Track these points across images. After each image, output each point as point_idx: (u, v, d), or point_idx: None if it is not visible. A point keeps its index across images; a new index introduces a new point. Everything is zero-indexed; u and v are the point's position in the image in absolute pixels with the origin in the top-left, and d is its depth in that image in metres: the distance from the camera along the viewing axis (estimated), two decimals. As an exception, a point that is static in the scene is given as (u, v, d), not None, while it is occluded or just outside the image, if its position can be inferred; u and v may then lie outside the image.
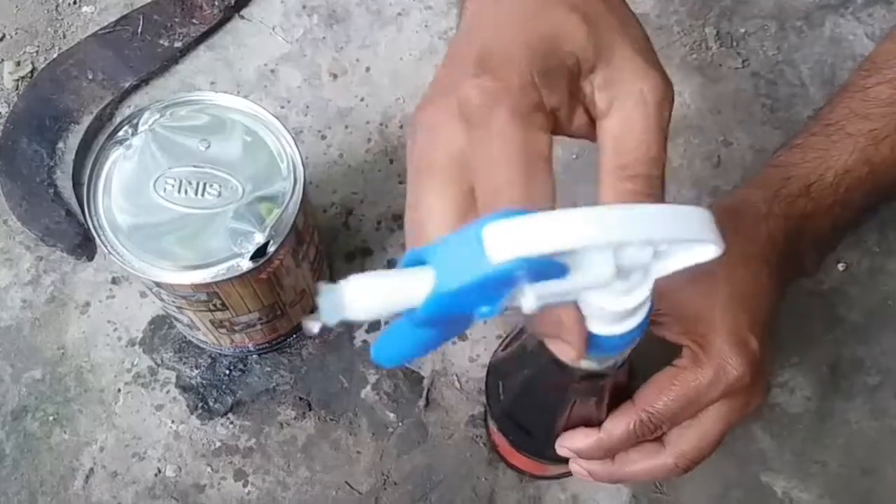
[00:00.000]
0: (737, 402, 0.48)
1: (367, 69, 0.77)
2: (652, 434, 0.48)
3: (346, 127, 0.75)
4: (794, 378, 0.67)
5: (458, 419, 0.66)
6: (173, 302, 0.55)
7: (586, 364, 0.38)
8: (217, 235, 0.51)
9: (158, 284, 0.52)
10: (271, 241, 0.51)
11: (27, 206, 0.71)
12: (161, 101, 0.55)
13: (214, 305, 0.55)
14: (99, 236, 0.51)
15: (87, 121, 0.74)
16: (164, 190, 0.52)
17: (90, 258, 0.70)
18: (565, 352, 0.35)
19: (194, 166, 0.53)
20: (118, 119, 0.54)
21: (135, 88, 0.76)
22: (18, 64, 0.79)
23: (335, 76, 0.77)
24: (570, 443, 0.49)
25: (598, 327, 0.34)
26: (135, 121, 0.54)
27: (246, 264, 0.51)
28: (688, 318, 0.48)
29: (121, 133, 0.54)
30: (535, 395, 0.48)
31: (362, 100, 0.76)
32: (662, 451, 0.49)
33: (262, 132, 0.54)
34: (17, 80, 0.79)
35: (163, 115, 0.55)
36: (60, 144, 0.73)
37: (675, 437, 0.49)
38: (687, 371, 0.47)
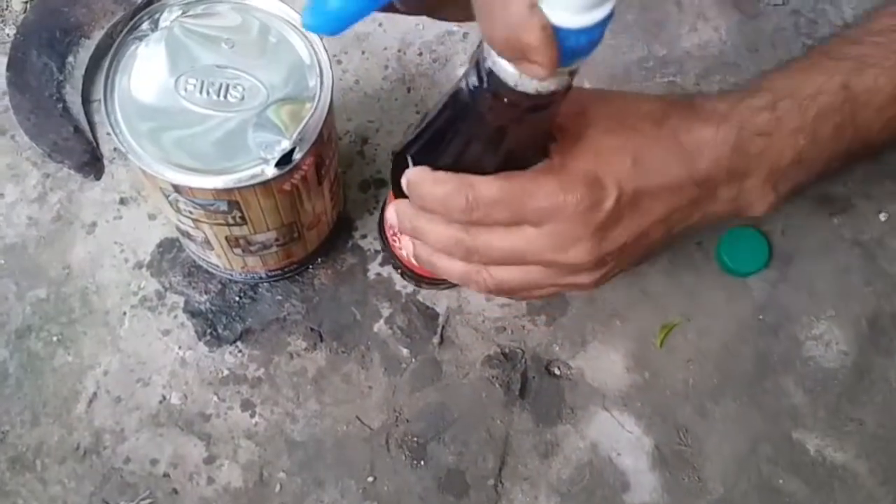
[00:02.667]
0: (558, 240, 0.44)
1: (389, -6, 0.74)
2: (460, 216, 0.44)
3: (363, 52, 0.72)
4: (830, 331, 0.64)
5: (474, 358, 0.63)
6: (190, 214, 0.52)
7: (543, 85, 0.36)
8: (240, 140, 0.49)
9: (178, 190, 0.49)
10: (297, 148, 0.48)
11: (35, 121, 0.68)
12: (184, -2, 0.52)
13: (233, 219, 0.52)
14: (117, 136, 0.48)
15: (97, 36, 0.71)
16: (186, 90, 0.49)
17: (98, 177, 0.68)
18: (533, 70, 0.34)
19: (217, 67, 0.50)
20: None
21: (147, 4, 0.73)
22: (27, -13, 0.76)
23: None
24: (415, 175, 0.45)
25: (564, 17, 0.33)
26: (156, 16, 0.51)
27: (271, 171, 0.48)
28: (580, 136, 0.44)
29: (141, 29, 0.51)
30: (458, 153, 0.45)
31: (380, 25, 0.73)
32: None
33: (289, 34, 0.52)
34: (26, 2, 0.76)
35: (185, 11, 0.52)
36: (70, 59, 0.70)
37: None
38: (536, 173, 0.44)
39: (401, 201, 0.48)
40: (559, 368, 0.63)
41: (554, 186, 0.43)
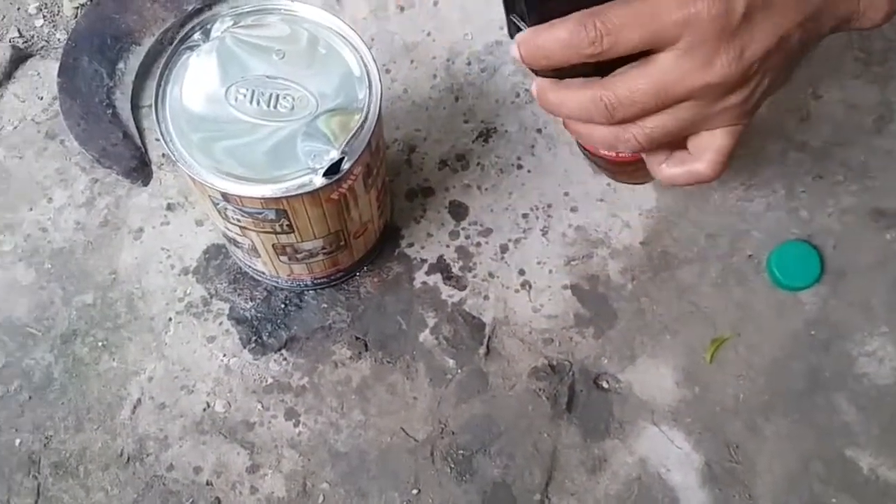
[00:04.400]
0: (699, 56, 0.41)
1: (436, 3, 0.74)
2: (590, 49, 0.42)
3: (412, 62, 0.72)
4: (883, 347, 0.63)
5: (520, 370, 0.62)
6: (238, 221, 0.52)
7: None
8: (289, 149, 0.48)
9: (226, 198, 0.49)
10: (346, 158, 0.48)
11: (85, 126, 0.69)
12: (236, 8, 0.52)
13: (281, 227, 0.52)
14: (167, 144, 0.48)
15: (148, 42, 0.72)
16: (236, 99, 0.49)
17: (145, 183, 0.68)
18: None
19: (267, 77, 0.50)
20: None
21: (197, 12, 0.73)
22: (78, -8, 0.77)
23: (402, 8, 0.74)
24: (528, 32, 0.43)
25: None
26: (208, 26, 0.51)
27: (319, 180, 0.48)
28: None
29: (192, 38, 0.51)
30: None
31: (429, 34, 0.73)
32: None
33: (339, 45, 0.51)
34: (77, 7, 0.76)
35: (237, 22, 0.52)
36: (121, 65, 0.71)
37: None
38: None
39: (537, 79, 0.46)
40: (607, 382, 0.62)
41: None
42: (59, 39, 0.75)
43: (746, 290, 0.64)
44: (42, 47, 0.74)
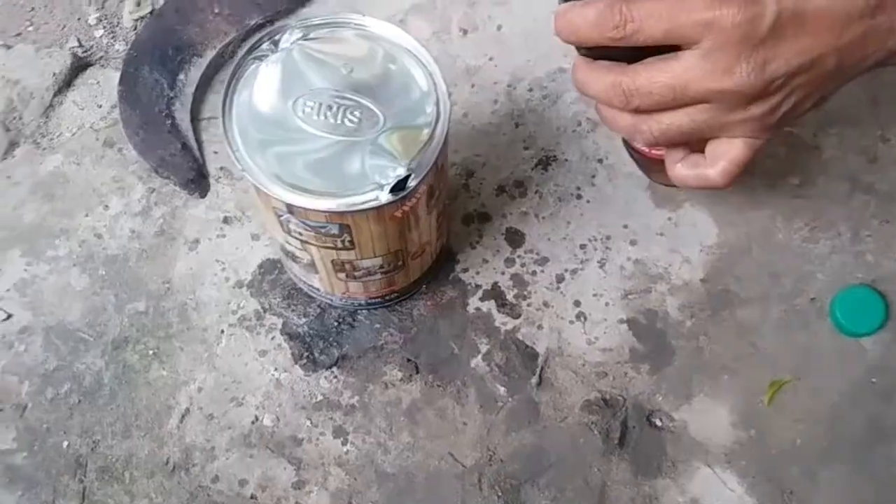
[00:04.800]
0: (719, 60, 0.42)
1: (499, 27, 0.74)
2: (614, 32, 0.43)
3: (473, 86, 0.72)
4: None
5: (572, 402, 0.61)
6: (299, 235, 0.51)
7: None
8: (355, 165, 0.48)
9: (291, 210, 0.48)
10: (412, 175, 0.48)
11: (144, 136, 0.69)
12: (305, 20, 0.52)
13: (343, 243, 0.51)
14: (234, 153, 0.48)
15: (209, 55, 0.72)
16: (303, 112, 0.49)
17: (203, 195, 0.68)
18: None
19: (335, 91, 0.50)
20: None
21: (259, 27, 0.74)
22: (139, 4, 0.78)
23: (465, 32, 0.74)
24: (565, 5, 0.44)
25: None
26: (277, 37, 0.51)
27: (385, 196, 0.47)
28: None
29: (261, 49, 0.51)
30: None
31: (491, 59, 0.73)
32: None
33: (409, 62, 0.51)
34: (136, 20, 0.78)
35: (306, 34, 0.52)
36: (181, 76, 0.71)
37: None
38: None
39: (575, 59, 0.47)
40: (661, 419, 0.61)
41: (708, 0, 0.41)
42: (117, 50, 0.76)
43: (808, 333, 0.63)
44: (101, 57, 0.76)
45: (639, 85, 0.44)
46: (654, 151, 0.59)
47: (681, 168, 0.50)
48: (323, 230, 0.50)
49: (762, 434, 0.60)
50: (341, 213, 0.48)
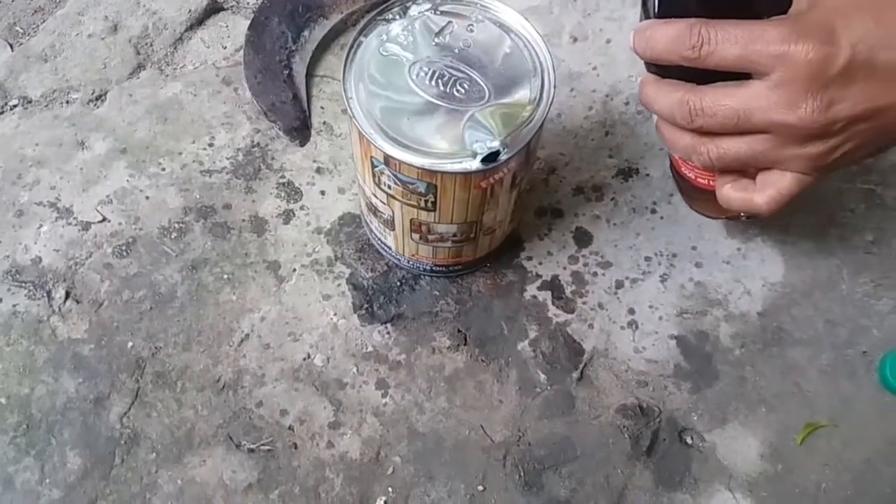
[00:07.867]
0: (785, 95, 0.43)
1: (608, 41, 0.76)
2: (688, 52, 0.44)
3: (572, 90, 0.74)
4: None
5: (609, 403, 0.63)
6: (388, 188, 0.55)
7: None
8: (455, 132, 0.51)
9: (386, 161, 0.52)
10: (505, 150, 0.51)
11: (261, 80, 0.73)
12: (435, -5, 0.55)
13: (426, 203, 0.54)
14: (348, 100, 0.52)
15: (335, 19, 0.76)
16: (417, 76, 0.53)
17: (303, 143, 0.72)
18: None
19: (450, 62, 0.53)
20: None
21: (385, 1, 0.77)
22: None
23: (575, 39, 0.77)
24: (646, 22, 0.46)
25: None
26: (407, 4, 0.55)
27: (476, 164, 0.50)
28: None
29: (390, 13, 0.55)
30: None
31: (595, 68, 0.75)
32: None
33: (522, 47, 0.54)
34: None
35: (434, 7, 0.55)
36: (305, 33, 0.76)
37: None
38: (770, 20, 0.44)
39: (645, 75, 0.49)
40: (692, 438, 0.62)
41: (785, 33, 0.42)
42: (248, 2, 0.80)
43: (853, 384, 0.64)
44: (233, 5, 0.80)
45: (705, 105, 0.46)
46: (699, 179, 0.60)
47: (729, 189, 0.51)
48: (411, 186, 0.53)
49: (789, 471, 0.61)
50: (432, 172, 0.51)
